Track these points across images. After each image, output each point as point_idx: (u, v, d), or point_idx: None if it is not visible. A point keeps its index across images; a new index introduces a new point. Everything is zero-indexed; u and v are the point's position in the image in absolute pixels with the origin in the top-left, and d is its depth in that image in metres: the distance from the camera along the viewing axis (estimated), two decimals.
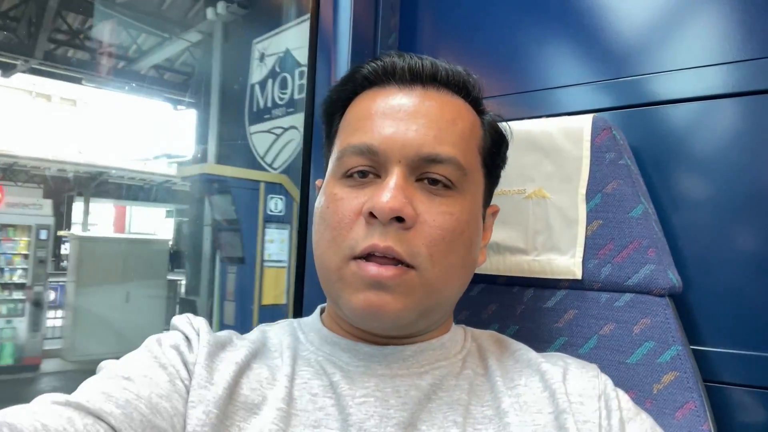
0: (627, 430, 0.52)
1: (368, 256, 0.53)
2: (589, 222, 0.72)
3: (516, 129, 0.78)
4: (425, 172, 0.55)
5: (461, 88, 0.60)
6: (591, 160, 0.73)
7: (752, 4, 0.77)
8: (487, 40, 1.01)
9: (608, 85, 0.87)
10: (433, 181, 0.55)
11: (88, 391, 0.49)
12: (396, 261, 0.52)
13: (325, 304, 0.65)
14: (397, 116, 0.55)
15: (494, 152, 0.63)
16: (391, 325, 0.54)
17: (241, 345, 0.58)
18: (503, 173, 0.77)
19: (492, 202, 0.70)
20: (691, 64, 0.80)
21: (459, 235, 0.55)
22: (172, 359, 0.55)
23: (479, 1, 1.03)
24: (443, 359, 0.58)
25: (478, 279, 0.80)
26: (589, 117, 0.74)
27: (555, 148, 0.75)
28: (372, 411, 0.52)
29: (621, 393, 0.56)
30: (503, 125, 0.65)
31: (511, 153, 0.77)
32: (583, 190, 0.72)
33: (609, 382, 0.57)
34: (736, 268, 0.75)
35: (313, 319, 0.64)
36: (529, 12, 0.97)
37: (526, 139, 0.77)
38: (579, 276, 0.71)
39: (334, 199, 0.56)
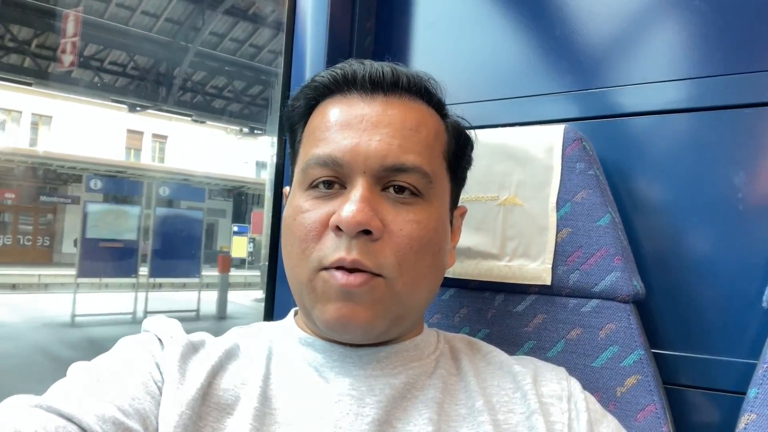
0: (594, 431, 0.55)
1: (337, 268, 0.53)
2: (559, 230, 0.74)
3: (490, 137, 0.80)
4: (391, 181, 0.55)
5: (423, 94, 0.60)
6: (562, 170, 0.75)
7: (712, 25, 0.80)
8: (463, 47, 1.03)
9: (578, 95, 0.90)
10: (399, 190, 0.55)
11: (59, 393, 0.49)
12: (364, 271, 0.53)
13: (297, 308, 0.65)
14: (360, 126, 0.56)
15: (459, 155, 0.63)
16: (363, 335, 0.55)
17: (214, 346, 0.58)
18: (477, 180, 0.79)
19: (466, 209, 0.72)
20: (654, 79, 0.84)
21: (427, 242, 0.55)
22: (145, 361, 0.54)
23: (455, 8, 1.04)
24: (416, 360, 0.59)
25: (450, 283, 0.82)
26: (561, 127, 0.77)
27: (528, 157, 0.77)
28: (347, 409, 0.53)
29: (588, 395, 0.59)
30: (468, 129, 0.65)
31: (485, 161, 0.79)
32: (553, 198, 0.75)
33: (577, 385, 0.59)
34: (693, 276, 0.79)
35: (287, 322, 0.64)
36: (503, 21, 0.99)
37: (501, 148, 0.79)
38: (548, 282, 0.74)
39: (300, 210, 0.56)
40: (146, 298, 7.75)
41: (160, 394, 0.52)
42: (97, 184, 8.23)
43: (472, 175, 0.78)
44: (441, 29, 1.06)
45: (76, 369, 0.54)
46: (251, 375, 0.56)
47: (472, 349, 0.64)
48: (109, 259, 7.66)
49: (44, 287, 11.11)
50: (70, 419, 0.46)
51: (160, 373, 0.54)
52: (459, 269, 0.79)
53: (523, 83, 0.95)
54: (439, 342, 0.63)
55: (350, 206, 0.52)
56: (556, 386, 0.58)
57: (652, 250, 0.82)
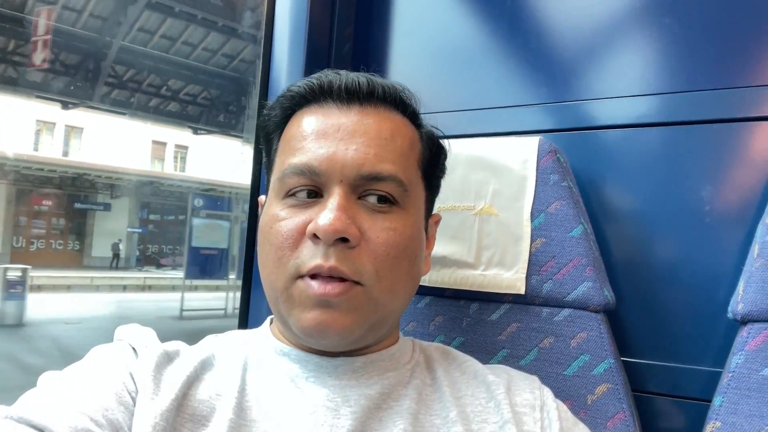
0: None
1: (314, 276, 0.53)
2: (533, 240, 0.76)
3: (467, 147, 0.81)
4: (367, 190, 0.56)
5: (398, 104, 0.61)
6: (536, 181, 0.76)
7: (681, 42, 0.83)
8: (441, 57, 1.04)
9: (552, 107, 0.92)
10: (376, 198, 0.56)
11: (30, 403, 0.48)
12: (341, 279, 0.53)
13: (273, 316, 0.65)
14: (337, 136, 0.56)
15: (433, 164, 0.64)
16: (340, 341, 0.55)
17: (189, 356, 0.58)
18: (453, 189, 0.80)
19: (442, 218, 0.72)
20: (626, 93, 0.86)
21: (403, 250, 0.56)
22: (118, 371, 0.53)
23: (433, 18, 1.05)
24: (392, 370, 0.59)
25: (426, 291, 0.82)
26: (536, 140, 0.78)
27: (504, 168, 0.78)
28: (322, 420, 0.53)
29: (560, 404, 0.60)
30: (441, 137, 0.66)
31: (462, 170, 0.80)
32: (528, 209, 0.76)
33: (550, 394, 0.60)
34: (661, 286, 0.81)
35: (262, 331, 0.64)
36: (480, 33, 1.01)
37: (477, 158, 0.80)
38: (522, 291, 0.75)
39: (277, 219, 0.56)
40: (234, 297, 9.35)
41: (134, 404, 0.51)
42: (199, 202, 10.34)
43: (449, 184, 0.79)
44: (420, 39, 1.07)
45: (47, 379, 0.53)
46: (227, 386, 0.56)
47: (447, 358, 0.65)
48: (207, 264, 9.57)
49: (95, 288, 12.74)
50: (42, 430, 0.45)
51: (134, 383, 0.53)
52: (435, 278, 0.80)
53: (499, 94, 0.97)
54: (414, 352, 0.63)
55: (327, 214, 0.52)
56: (528, 395, 0.58)
57: (622, 260, 0.83)
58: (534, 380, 0.61)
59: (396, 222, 0.56)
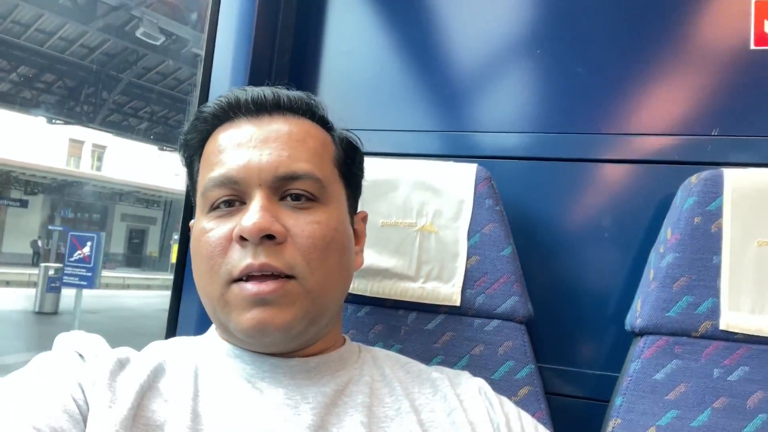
0: (504, 410, 0.64)
1: (247, 277, 0.56)
2: (469, 256, 0.83)
3: (411, 168, 0.88)
4: (286, 190, 0.59)
5: (305, 111, 0.66)
6: (473, 204, 0.84)
7: (587, 87, 0.96)
8: (378, 77, 1.10)
9: (483, 136, 1.01)
10: (296, 197, 0.60)
11: None
12: (274, 276, 0.56)
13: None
14: (250, 144, 0.60)
15: (349, 163, 0.69)
16: (281, 337, 0.57)
17: (141, 363, 0.57)
18: (396, 206, 0.86)
19: (385, 233, 0.77)
20: (549, 129, 0.98)
21: (330, 241, 0.60)
22: (64, 379, 0.52)
23: (370, 42, 1.11)
24: (342, 369, 0.63)
25: (367, 301, 0.87)
26: (473, 166, 0.86)
27: (445, 190, 0.85)
28: (284, 416, 0.55)
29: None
30: (353, 137, 0.71)
31: (405, 189, 0.87)
32: (465, 229, 0.84)
33: (483, 382, 0.67)
34: (569, 302, 0.93)
35: (209, 335, 0.65)
36: (409, 60, 1.08)
37: (421, 179, 0.86)
38: (458, 303, 0.82)
39: (204, 231, 0.59)
40: None
41: (80, 413, 0.50)
42: None
43: (393, 201, 0.86)
44: (357, 58, 1.12)
45: None
46: (180, 392, 0.56)
47: (392, 359, 0.70)
48: None
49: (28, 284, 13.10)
50: None
51: (82, 391, 0.52)
52: (376, 289, 0.85)
53: (434, 119, 1.05)
54: (361, 353, 0.68)
55: (251, 215, 0.56)
56: (467, 386, 0.66)
57: (536, 279, 0.94)
58: (466, 373, 0.69)
59: (319, 216, 0.60)
